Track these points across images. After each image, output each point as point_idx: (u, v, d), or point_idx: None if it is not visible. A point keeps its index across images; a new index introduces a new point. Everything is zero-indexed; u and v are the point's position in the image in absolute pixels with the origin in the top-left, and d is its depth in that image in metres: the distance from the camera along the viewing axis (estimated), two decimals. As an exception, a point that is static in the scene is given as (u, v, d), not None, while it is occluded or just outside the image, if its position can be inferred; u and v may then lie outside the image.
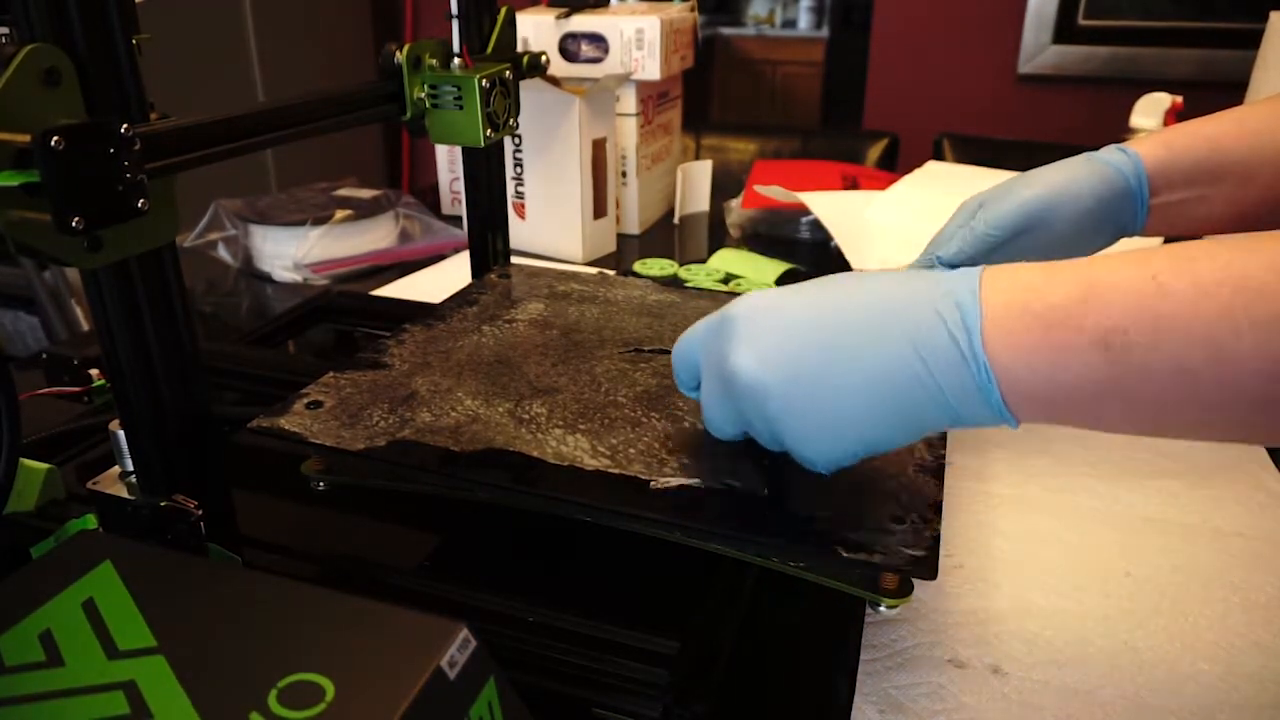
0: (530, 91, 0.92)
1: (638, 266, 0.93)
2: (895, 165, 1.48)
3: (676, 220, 1.17)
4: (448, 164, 1.19)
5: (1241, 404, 0.28)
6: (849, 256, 0.85)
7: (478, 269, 0.69)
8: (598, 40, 1.04)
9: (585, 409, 0.46)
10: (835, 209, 0.94)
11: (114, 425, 0.40)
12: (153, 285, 0.37)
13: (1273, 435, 0.31)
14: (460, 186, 1.07)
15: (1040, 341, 0.30)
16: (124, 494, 0.41)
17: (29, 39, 0.31)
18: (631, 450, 0.42)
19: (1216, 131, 0.49)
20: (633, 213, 1.10)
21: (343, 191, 1.12)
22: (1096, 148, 0.52)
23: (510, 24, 0.62)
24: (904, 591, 0.38)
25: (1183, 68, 1.77)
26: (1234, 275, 0.27)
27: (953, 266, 0.51)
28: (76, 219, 0.31)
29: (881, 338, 0.32)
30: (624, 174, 1.08)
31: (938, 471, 0.41)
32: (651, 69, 1.03)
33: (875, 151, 1.48)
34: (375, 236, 1.03)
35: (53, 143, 0.30)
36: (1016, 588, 0.47)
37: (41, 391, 0.55)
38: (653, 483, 0.40)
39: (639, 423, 0.44)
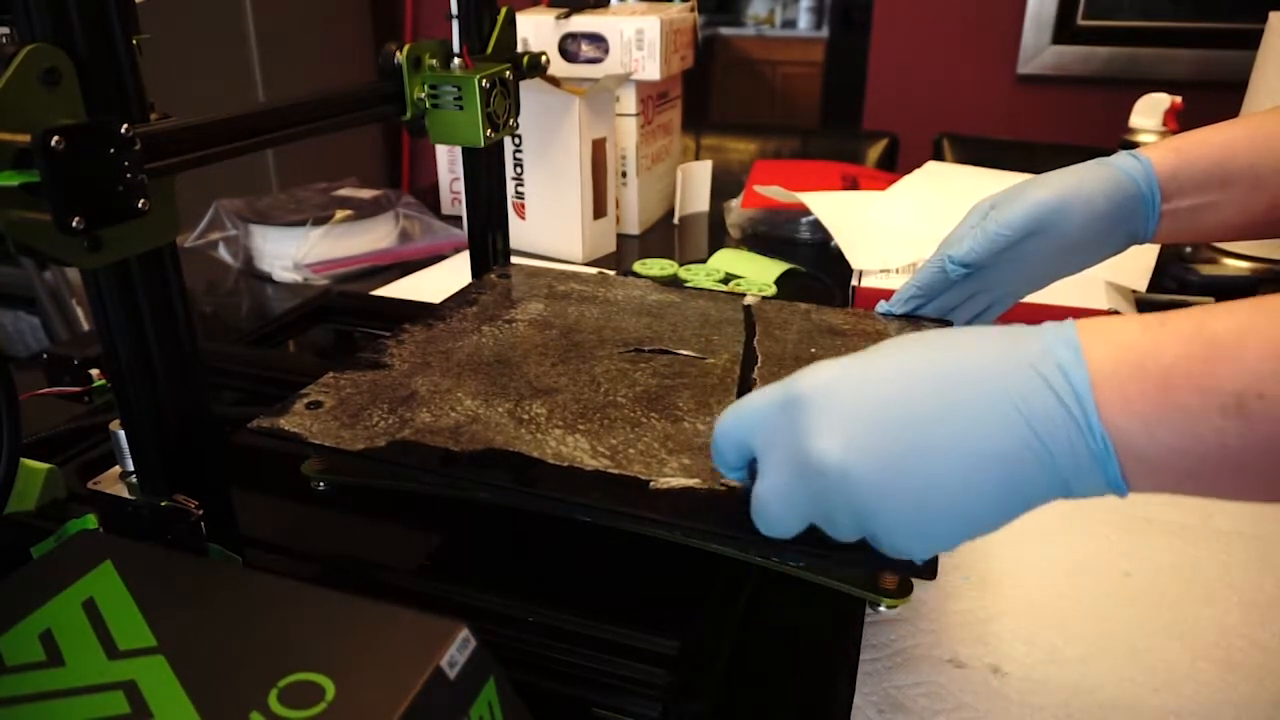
0: (530, 91, 0.92)
1: (638, 266, 0.93)
2: (895, 165, 1.48)
3: (676, 220, 1.17)
4: (448, 164, 1.19)
5: None
6: (849, 257, 0.85)
7: (478, 269, 0.69)
8: (598, 40, 1.04)
9: (585, 409, 0.46)
10: (835, 209, 0.94)
11: (114, 425, 0.40)
12: (153, 285, 0.37)
13: None
14: (460, 186, 1.07)
15: (1161, 406, 0.27)
16: (124, 494, 0.41)
17: (29, 39, 0.31)
18: (631, 450, 0.42)
19: (1228, 138, 0.49)
20: (633, 213, 1.10)
21: (343, 191, 1.12)
22: (1097, 148, 0.52)
23: (510, 24, 0.62)
24: (904, 591, 0.38)
25: (1182, 68, 1.77)
26: None
27: (965, 266, 0.52)
28: (76, 219, 0.31)
29: (984, 407, 0.29)
30: (624, 174, 1.08)
31: (938, 471, 0.41)
32: (651, 69, 1.03)
33: (875, 151, 1.48)
34: (375, 236, 1.03)
35: (53, 143, 0.30)
36: (1016, 588, 0.47)
37: (42, 391, 0.55)
38: (653, 483, 0.40)
39: (639, 423, 0.44)
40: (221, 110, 0.40)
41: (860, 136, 1.52)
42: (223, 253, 1.00)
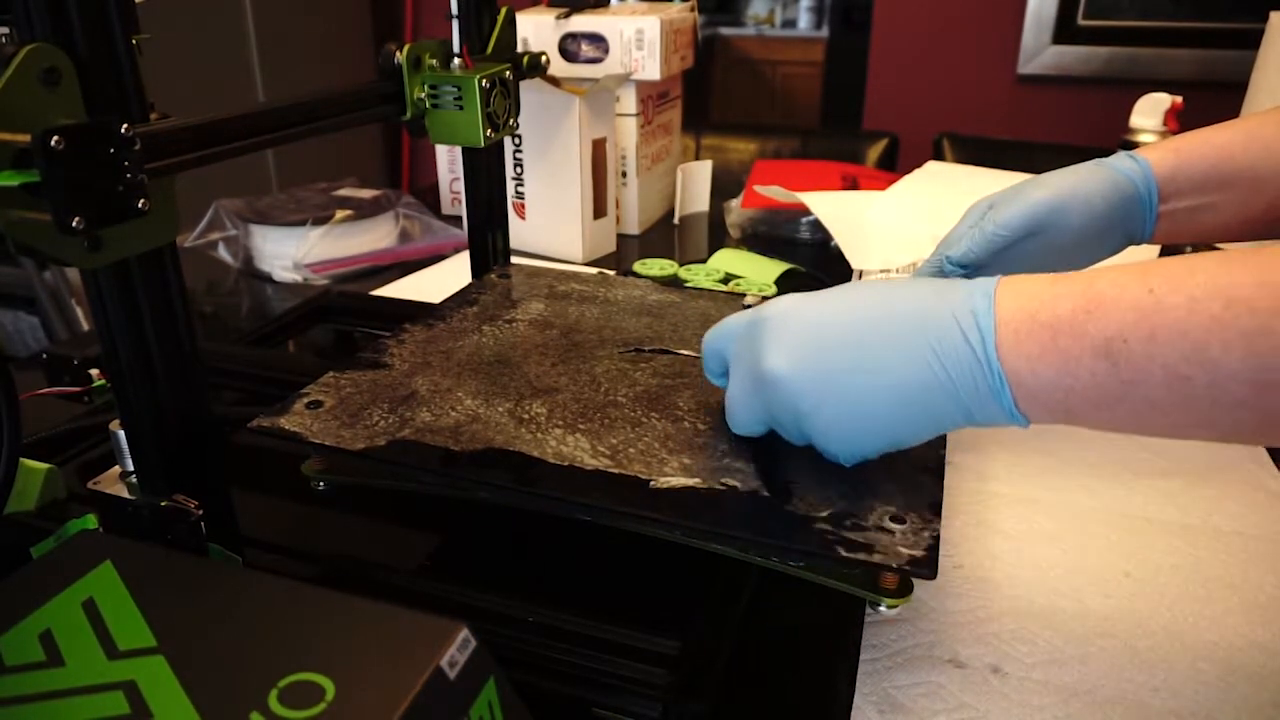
0: (530, 91, 0.92)
1: (638, 266, 0.93)
2: (895, 165, 1.48)
3: (676, 220, 1.17)
4: (448, 164, 1.19)
5: (1233, 409, 0.30)
6: (849, 256, 0.85)
7: (478, 269, 0.69)
8: (598, 40, 1.04)
9: (585, 409, 0.46)
10: (835, 209, 0.94)
11: (114, 425, 0.40)
12: (153, 285, 0.37)
13: (1264, 436, 0.32)
14: (460, 186, 1.07)
15: (1047, 349, 0.32)
16: (124, 494, 0.41)
17: (29, 39, 0.31)
18: (631, 450, 0.42)
19: (1226, 140, 0.49)
20: (633, 213, 1.10)
21: (343, 191, 1.12)
22: (1097, 148, 0.52)
23: (510, 24, 0.62)
24: (904, 591, 0.38)
25: (1183, 68, 1.77)
26: (1223, 289, 0.29)
27: (963, 267, 0.52)
28: (76, 219, 0.31)
29: (905, 343, 0.35)
30: (624, 174, 1.08)
31: (938, 471, 0.41)
32: (651, 69, 1.03)
33: (875, 151, 1.48)
34: (375, 236, 1.03)
35: (53, 143, 0.30)
36: (1016, 588, 0.47)
37: (41, 391, 0.55)
38: (653, 483, 0.40)
39: (639, 423, 0.44)
40: (221, 110, 0.40)
41: (860, 136, 1.52)
42: (223, 253, 1.00)
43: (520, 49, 0.63)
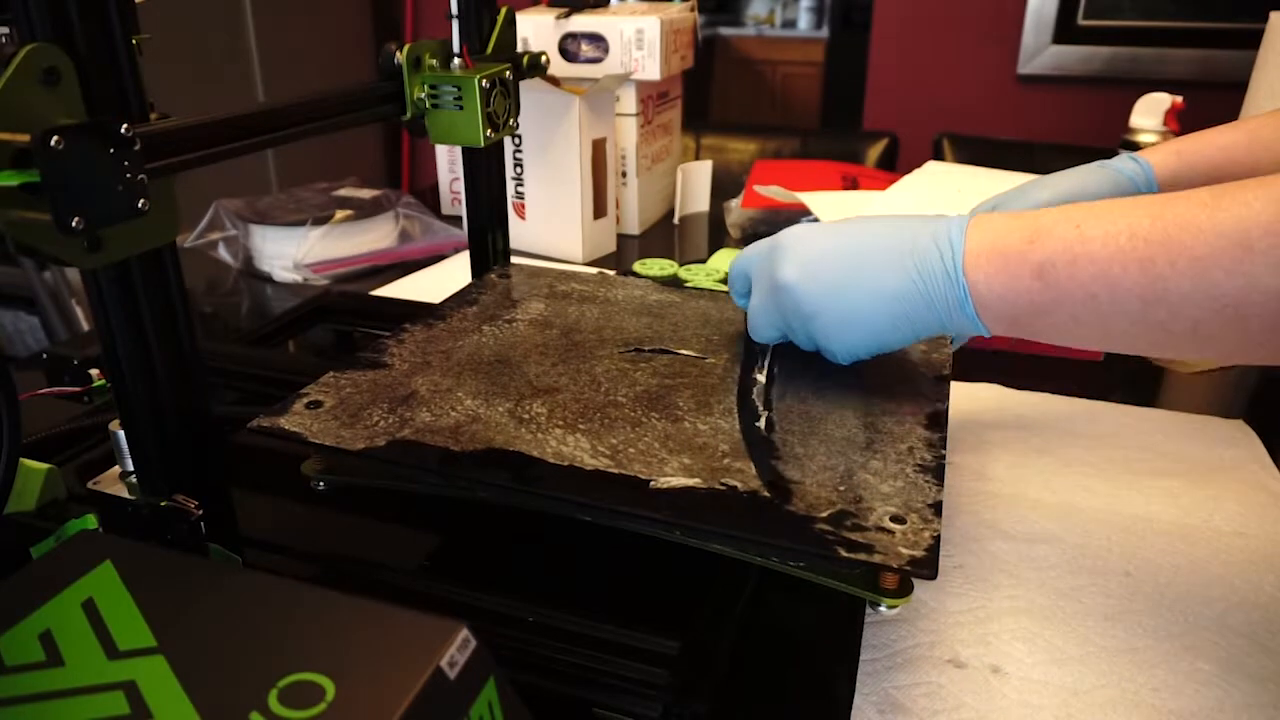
0: (530, 91, 0.92)
1: (638, 266, 0.93)
2: (895, 165, 1.48)
3: (676, 220, 1.17)
4: (448, 164, 1.19)
5: (1133, 321, 0.37)
6: (849, 256, 0.85)
7: (478, 269, 0.69)
8: (598, 40, 1.04)
9: (585, 409, 0.46)
10: (835, 209, 0.94)
11: (114, 425, 0.40)
12: (153, 285, 0.37)
13: (1162, 348, 0.38)
14: (460, 186, 1.07)
15: (999, 270, 0.39)
16: (124, 494, 0.41)
17: (29, 39, 0.31)
18: (631, 450, 0.42)
19: (1229, 141, 0.50)
20: (633, 213, 1.10)
21: (343, 191, 1.12)
22: (1097, 148, 0.52)
23: (510, 24, 0.62)
24: (904, 591, 0.38)
25: (1183, 68, 1.77)
26: (1129, 224, 0.36)
27: None
28: (76, 219, 0.31)
29: (894, 261, 0.42)
30: (624, 174, 1.08)
31: (938, 471, 0.41)
32: (651, 69, 1.03)
33: (875, 151, 1.48)
34: (375, 236, 1.03)
35: (53, 143, 0.30)
36: (1016, 588, 0.47)
37: (41, 391, 0.55)
38: (653, 483, 0.40)
39: (639, 423, 0.44)
40: (221, 110, 0.40)
41: (860, 136, 1.52)
42: (223, 253, 1.00)
43: (520, 49, 0.63)
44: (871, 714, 0.40)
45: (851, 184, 1.11)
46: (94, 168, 0.32)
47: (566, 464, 0.41)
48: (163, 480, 0.40)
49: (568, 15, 1.04)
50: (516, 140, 0.98)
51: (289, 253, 0.98)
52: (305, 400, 0.46)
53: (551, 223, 1.00)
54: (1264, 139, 0.49)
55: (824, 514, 0.37)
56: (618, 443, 0.43)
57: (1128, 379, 0.72)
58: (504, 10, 0.62)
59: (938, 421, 0.45)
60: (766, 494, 0.39)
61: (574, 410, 0.46)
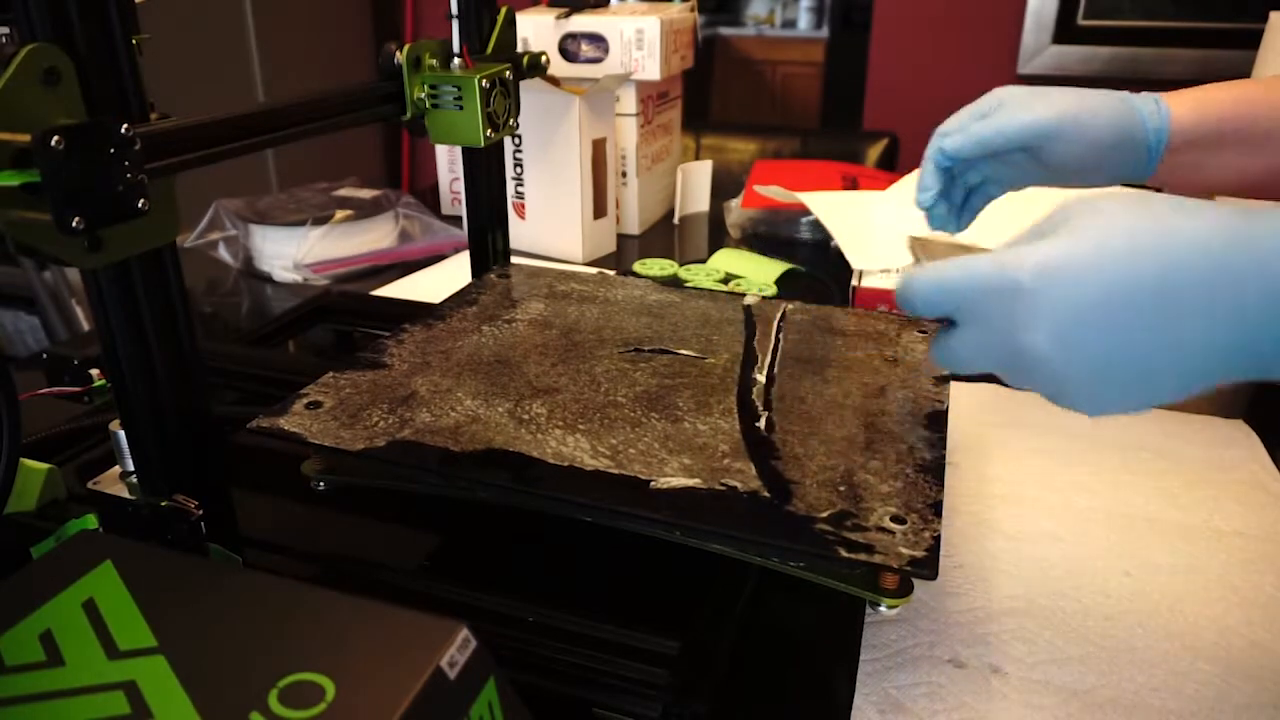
0: (530, 91, 0.92)
1: (638, 266, 0.93)
2: (895, 165, 1.48)
3: (676, 220, 1.16)
4: (448, 164, 1.19)
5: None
6: (849, 256, 0.85)
7: (478, 269, 0.69)
8: (598, 40, 1.04)
9: (585, 409, 0.46)
10: (835, 209, 0.94)
11: (114, 425, 0.40)
12: (153, 285, 0.37)
13: None
14: (460, 186, 1.07)
15: None
16: (124, 494, 0.41)
17: (29, 39, 0.31)
18: (632, 450, 0.42)
19: (1250, 94, 0.48)
20: (633, 213, 1.10)
21: (343, 191, 1.12)
22: None
23: (510, 24, 0.62)
24: (904, 591, 0.38)
25: (1183, 68, 1.76)
26: None
27: (953, 160, 0.50)
28: (76, 219, 0.31)
29: (1209, 309, 0.29)
30: (624, 174, 1.08)
31: (938, 471, 0.41)
32: (651, 69, 1.03)
33: (875, 151, 1.48)
34: (375, 236, 1.03)
35: (53, 143, 0.30)
36: (1016, 588, 0.47)
37: (41, 391, 0.55)
38: (653, 483, 0.40)
39: (639, 423, 0.44)
40: (221, 110, 0.40)
41: (860, 136, 1.52)
42: (223, 253, 1.00)
43: (520, 49, 0.63)
44: (871, 714, 0.40)
45: (851, 184, 1.11)
46: (94, 168, 0.32)
47: (566, 464, 0.41)
48: (163, 480, 0.40)
49: (568, 15, 1.04)
50: (516, 140, 0.98)
51: (289, 253, 0.98)
52: (305, 400, 0.46)
53: (551, 223, 1.00)
54: (1276, 94, 0.48)
55: (824, 514, 0.37)
56: (618, 443, 0.43)
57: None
58: (504, 10, 0.62)
59: (938, 421, 0.45)
60: (766, 494, 0.39)
61: (574, 410, 0.46)
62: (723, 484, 0.39)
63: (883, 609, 0.38)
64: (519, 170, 1.00)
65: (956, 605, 0.46)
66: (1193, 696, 0.40)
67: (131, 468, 0.40)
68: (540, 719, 0.32)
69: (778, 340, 0.54)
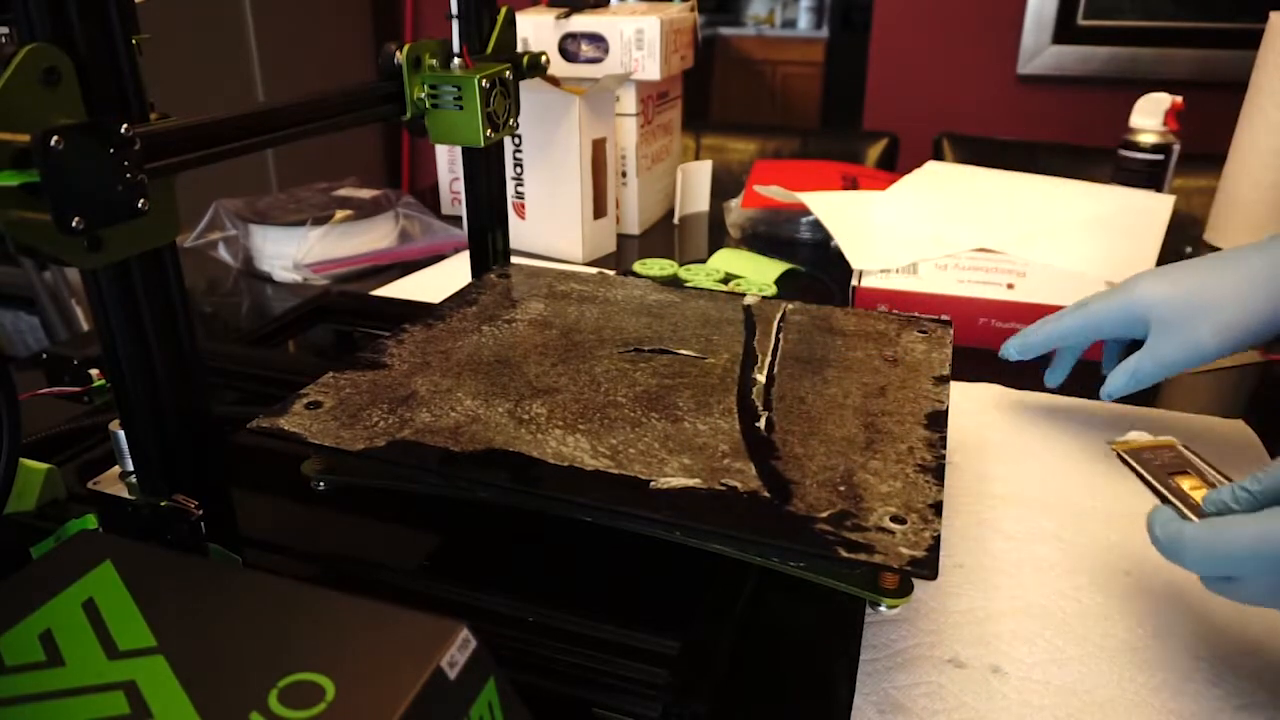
0: (530, 91, 0.92)
1: (638, 266, 0.93)
2: (895, 165, 1.48)
3: (676, 220, 1.17)
4: (448, 164, 1.19)
5: None
6: (849, 256, 0.85)
7: (478, 269, 0.69)
8: (598, 40, 1.04)
9: (585, 409, 0.46)
10: (835, 209, 0.94)
11: (114, 425, 0.40)
12: (153, 285, 0.37)
13: None
14: (460, 186, 1.07)
15: None
16: (124, 494, 0.41)
17: (29, 39, 0.31)
18: (631, 450, 0.42)
19: None
20: (633, 213, 1.10)
21: (343, 191, 1.12)
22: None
23: (510, 24, 0.62)
24: (904, 591, 0.38)
25: (1183, 68, 1.77)
26: None
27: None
28: (76, 219, 0.31)
29: None
30: (624, 174, 1.08)
31: (938, 471, 0.41)
32: (651, 69, 1.03)
33: (875, 151, 1.48)
34: (375, 236, 1.03)
35: (53, 143, 0.30)
36: (1016, 588, 0.47)
37: (41, 391, 0.55)
38: (653, 483, 0.40)
39: (639, 423, 0.44)
40: (221, 110, 0.40)
41: (860, 136, 1.52)
42: (223, 253, 1.00)
43: (520, 49, 0.63)
44: (871, 714, 0.40)
45: (851, 184, 1.11)
46: (94, 168, 0.32)
47: (566, 464, 0.41)
48: (163, 480, 0.40)
49: (568, 15, 1.04)
50: (516, 140, 0.98)
51: (289, 253, 0.98)
52: (305, 400, 0.46)
53: (551, 223, 1.00)
54: None
55: (824, 514, 0.37)
56: (618, 443, 0.43)
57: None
58: (504, 10, 0.62)
59: (938, 421, 0.45)
60: (766, 494, 0.39)
61: (574, 410, 0.46)
62: (723, 484, 0.39)
63: (883, 609, 0.38)
64: (519, 170, 1.00)
65: (956, 605, 0.46)
66: (1193, 696, 0.40)
67: (131, 468, 0.40)
68: (540, 719, 0.32)
69: (778, 340, 0.54)
